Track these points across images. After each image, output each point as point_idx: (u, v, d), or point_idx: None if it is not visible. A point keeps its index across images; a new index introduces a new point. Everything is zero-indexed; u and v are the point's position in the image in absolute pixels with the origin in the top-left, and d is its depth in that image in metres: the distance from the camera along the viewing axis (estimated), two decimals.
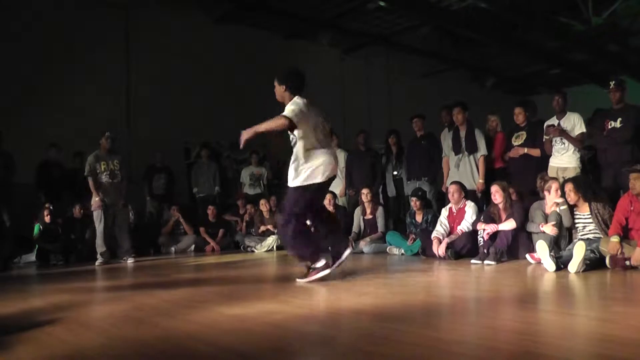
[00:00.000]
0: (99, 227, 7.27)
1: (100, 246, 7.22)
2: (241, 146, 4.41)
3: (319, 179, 4.48)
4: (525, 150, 6.87)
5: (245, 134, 4.32)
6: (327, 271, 4.57)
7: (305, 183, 4.47)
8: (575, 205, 5.54)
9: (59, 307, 3.71)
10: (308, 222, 4.80)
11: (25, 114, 8.51)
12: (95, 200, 7.23)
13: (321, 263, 4.57)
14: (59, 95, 8.93)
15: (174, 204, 9.32)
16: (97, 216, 7.28)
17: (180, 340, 2.70)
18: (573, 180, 5.65)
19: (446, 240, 6.35)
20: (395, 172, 8.52)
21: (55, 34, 8.97)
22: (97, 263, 7.12)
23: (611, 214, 5.29)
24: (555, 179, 6.02)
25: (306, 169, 4.47)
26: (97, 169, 7.30)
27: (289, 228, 4.50)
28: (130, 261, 7.31)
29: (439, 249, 6.32)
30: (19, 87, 8.54)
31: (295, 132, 4.44)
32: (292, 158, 4.53)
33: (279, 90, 4.60)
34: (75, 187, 8.59)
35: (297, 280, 4.61)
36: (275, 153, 9.82)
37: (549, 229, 5.38)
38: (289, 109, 4.38)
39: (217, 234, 9.12)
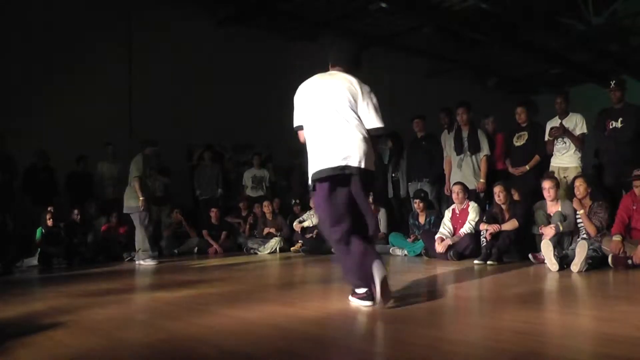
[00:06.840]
0: (149, 227, 7.33)
1: (149, 246, 7.22)
2: None
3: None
4: (527, 168, 6.88)
5: None
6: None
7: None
8: (579, 201, 5.57)
9: (61, 310, 3.71)
10: None
11: (25, 115, 8.45)
12: (141, 199, 7.19)
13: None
14: (60, 96, 8.88)
15: (175, 206, 9.29)
16: (144, 216, 7.26)
17: (184, 343, 2.70)
18: (585, 175, 5.79)
19: (448, 241, 6.35)
20: (392, 174, 8.49)
21: (56, 34, 8.93)
22: (151, 262, 7.08)
23: (608, 214, 5.33)
24: (553, 177, 6.01)
25: None
26: (146, 172, 7.40)
27: None
28: (144, 263, 7.27)
29: (440, 247, 6.34)
30: (19, 89, 8.48)
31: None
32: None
33: None
34: (77, 191, 8.59)
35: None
36: None
37: (548, 230, 5.37)
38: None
39: (220, 236, 9.08)
